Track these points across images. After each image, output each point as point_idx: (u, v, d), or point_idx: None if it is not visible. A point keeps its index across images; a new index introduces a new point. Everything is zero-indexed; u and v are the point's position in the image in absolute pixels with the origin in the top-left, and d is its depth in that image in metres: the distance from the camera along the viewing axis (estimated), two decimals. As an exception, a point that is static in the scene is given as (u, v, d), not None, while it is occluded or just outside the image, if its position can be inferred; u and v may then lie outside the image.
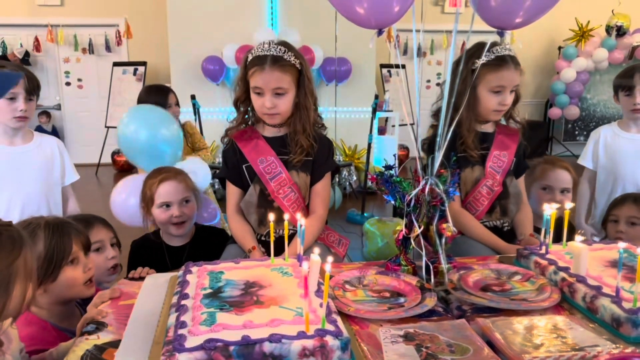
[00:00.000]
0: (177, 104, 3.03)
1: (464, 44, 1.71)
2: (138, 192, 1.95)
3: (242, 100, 1.71)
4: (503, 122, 1.90)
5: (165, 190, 1.84)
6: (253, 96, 1.65)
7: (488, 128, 1.84)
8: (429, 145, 1.68)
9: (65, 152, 2.12)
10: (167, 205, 1.83)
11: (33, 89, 1.90)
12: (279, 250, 1.29)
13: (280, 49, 1.61)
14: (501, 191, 1.79)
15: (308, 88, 1.65)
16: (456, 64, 1.71)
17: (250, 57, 1.64)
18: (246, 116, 1.74)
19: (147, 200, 1.87)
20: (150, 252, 1.86)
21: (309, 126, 1.67)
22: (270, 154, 1.69)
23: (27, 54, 7.12)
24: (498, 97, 1.74)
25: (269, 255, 1.29)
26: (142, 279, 1.37)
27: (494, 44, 1.71)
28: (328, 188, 1.77)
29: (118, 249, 1.74)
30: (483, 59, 1.69)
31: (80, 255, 1.38)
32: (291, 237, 1.61)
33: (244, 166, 1.71)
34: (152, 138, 2.26)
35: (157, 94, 2.88)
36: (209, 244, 1.90)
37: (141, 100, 2.86)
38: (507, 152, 1.82)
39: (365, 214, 4.67)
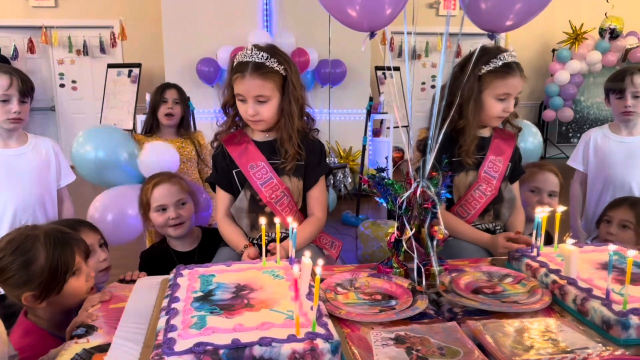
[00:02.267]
0: (178, 102, 2.73)
1: (459, 47, 1.71)
2: (115, 207, 1.97)
3: (231, 105, 1.70)
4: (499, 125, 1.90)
5: (160, 194, 1.85)
6: (237, 102, 1.64)
7: (485, 132, 1.84)
8: (425, 146, 1.68)
9: (61, 153, 2.11)
10: (163, 208, 1.84)
11: (27, 91, 1.89)
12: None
13: (262, 55, 1.57)
14: (495, 195, 1.79)
15: (293, 94, 1.62)
16: (460, 67, 1.71)
17: (235, 63, 1.62)
18: (236, 118, 1.73)
19: (144, 206, 1.88)
20: (161, 261, 1.84)
21: (293, 134, 1.64)
22: (261, 159, 1.67)
23: None
24: (502, 104, 1.72)
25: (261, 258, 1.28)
26: (133, 282, 1.36)
27: (499, 50, 1.70)
28: (324, 191, 1.75)
29: (106, 249, 1.73)
30: (490, 66, 1.68)
31: (82, 265, 1.35)
32: (283, 240, 1.60)
33: (234, 171, 1.70)
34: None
35: (155, 93, 2.74)
36: (218, 246, 1.89)
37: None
38: (502, 158, 1.81)
39: (360, 216, 4.67)
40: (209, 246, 1.90)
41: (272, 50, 1.61)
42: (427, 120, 1.82)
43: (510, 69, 1.69)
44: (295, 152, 1.66)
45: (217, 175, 1.75)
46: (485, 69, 1.68)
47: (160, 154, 2.28)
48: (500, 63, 1.68)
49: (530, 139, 2.46)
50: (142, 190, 1.91)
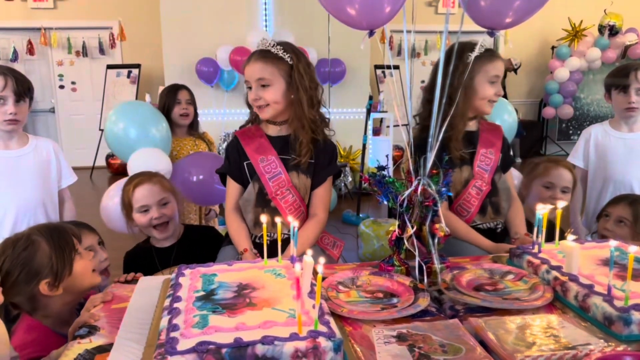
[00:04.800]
0: (190, 102, 2.83)
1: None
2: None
3: None
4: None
5: (141, 194, 1.83)
6: (247, 91, 1.70)
7: (472, 127, 1.85)
8: (418, 146, 1.67)
9: (61, 154, 2.10)
10: (146, 209, 1.83)
11: (23, 92, 1.87)
12: (273, 254, 1.29)
13: (269, 44, 1.65)
14: (491, 189, 1.79)
15: (300, 83, 1.64)
16: (446, 63, 1.71)
17: None
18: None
19: (126, 207, 1.87)
20: (141, 259, 1.85)
21: (306, 121, 1.66)
22: (272, 153, 1.69)
23: None
24: (494, 87, 1.79)
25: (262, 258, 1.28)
26: (135, 281, 1.36)
27: (472, 41, 1.77)
28: (329, 191, 1.76)
29: (104, 248, 1.74)
30: (475, 52, 1.73)
31: (79, 246, 1.39)
32: (285, 241, 1.60)
33: (245, 163, 1.72)
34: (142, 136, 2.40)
35: (167, 94, 2.80)
36: (198, 243, 1.90)
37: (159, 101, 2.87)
38: (493, 150, 1.83)
39: (360, 215, 4.67)
40: (188, 243, 1.91)
41: (280, 42, 1.67)
42: (419, 119, 1.83)
43: (494, 52, 1.80)
44: (309, 140, 1.68)
45: (228, 166, 1.76)
46: (472, 55, 1.72)
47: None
48: (483, 49, 1.76)
49: (506, 117, 2.46)
50: (124, 191, 1.88)
